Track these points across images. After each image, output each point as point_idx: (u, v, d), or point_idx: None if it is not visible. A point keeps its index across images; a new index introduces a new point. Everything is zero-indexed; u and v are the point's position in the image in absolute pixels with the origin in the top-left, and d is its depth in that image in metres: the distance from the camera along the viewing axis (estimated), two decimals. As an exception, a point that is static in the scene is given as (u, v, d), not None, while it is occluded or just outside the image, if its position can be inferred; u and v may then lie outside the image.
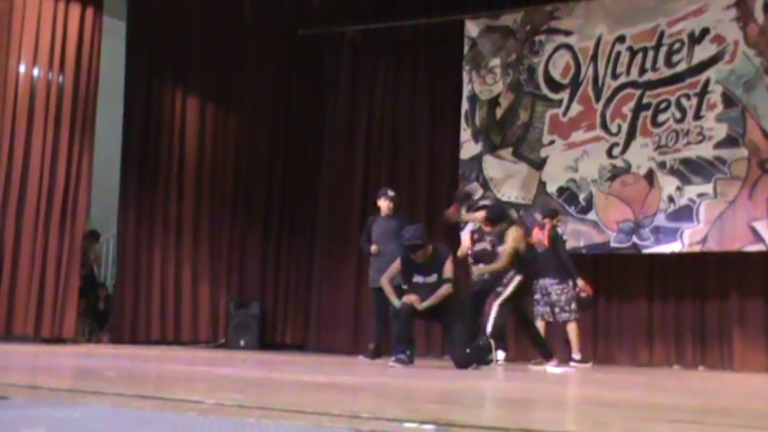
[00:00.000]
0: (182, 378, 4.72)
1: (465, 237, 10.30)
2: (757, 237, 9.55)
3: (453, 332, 7.51)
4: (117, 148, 10.99)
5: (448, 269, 7.64)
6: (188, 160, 11.46)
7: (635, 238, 10.17)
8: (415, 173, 11.97)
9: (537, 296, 9.12)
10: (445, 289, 7.53)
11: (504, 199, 10.87)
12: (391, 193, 9.58)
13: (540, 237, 9.21)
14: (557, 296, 9.03)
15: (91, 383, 3.70)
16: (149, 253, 10.99)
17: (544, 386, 5.52)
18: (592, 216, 10.44)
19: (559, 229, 9.44)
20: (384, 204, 9.48)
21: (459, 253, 10.14)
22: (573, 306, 9.05)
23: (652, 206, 10.14)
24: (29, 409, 2.59)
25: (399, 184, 11.62)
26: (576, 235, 10.38)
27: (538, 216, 9.68)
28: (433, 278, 7.53)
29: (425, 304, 7.45)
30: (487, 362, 7.59)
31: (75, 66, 9.89)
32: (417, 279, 7.64)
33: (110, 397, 2.98)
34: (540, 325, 9.08)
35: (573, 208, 10.57)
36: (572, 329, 9.06)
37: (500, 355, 9.35)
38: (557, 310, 9.05)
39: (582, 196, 10.52)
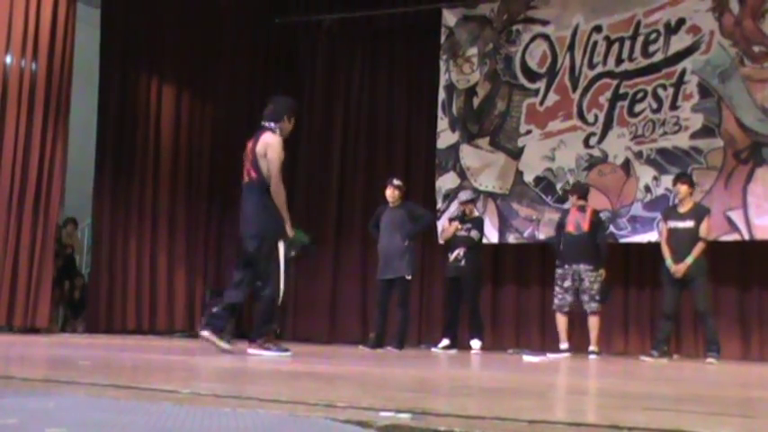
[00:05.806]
0: (157, 367, 4.69)
1: (445, 223, 10.32)
2: (733, 226, 9.61)
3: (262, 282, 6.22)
4: (92, 136, 10.91)
5: (272, 166, 6.13)
6: (164, 148, 11.39)
7: (612, 228, 10.20)
8: (391, 162, 11.94)
9: (567, 283, 8.97)
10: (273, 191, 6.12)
11: (482, 188, 10.90)
12: (396, 182, 9.37)
13: (578, 219, 9.14)
14: (589, 283, 8.87)
15: (65, 373, 3.67)
16: (125, 242, 10.92)
17: (519, 375, 5.54)
18: (569, 206, 10.45)
19: (602, 215, 9.42)
20: (388, 193, 9.32)
21: (441, 239, 10.18)
22: (600, 297, 8.92)
23: (629, 196, 10.19)
24: (1, 399, 2.56)
25: (376, 173, 11.62)
26: (553, 224, 10.39)
27: (572, 197, 9.55)
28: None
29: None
30: None
31: (48, 53, 9.77)
32: None
33: (84, 387, 2.96)
34: (560, 316, 9.01)
35: (550, 197, 10.61)
36: (595, 320, 8.93)
37: (476, 344, 9.41)
38: (586, 297, 8.88)
39: (559, 186, 10.55)
